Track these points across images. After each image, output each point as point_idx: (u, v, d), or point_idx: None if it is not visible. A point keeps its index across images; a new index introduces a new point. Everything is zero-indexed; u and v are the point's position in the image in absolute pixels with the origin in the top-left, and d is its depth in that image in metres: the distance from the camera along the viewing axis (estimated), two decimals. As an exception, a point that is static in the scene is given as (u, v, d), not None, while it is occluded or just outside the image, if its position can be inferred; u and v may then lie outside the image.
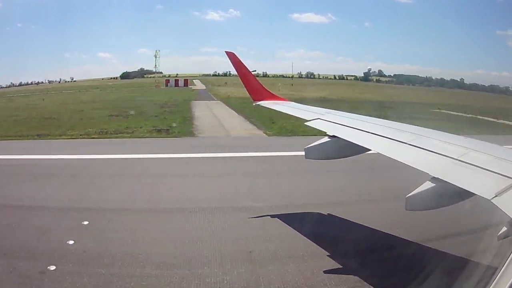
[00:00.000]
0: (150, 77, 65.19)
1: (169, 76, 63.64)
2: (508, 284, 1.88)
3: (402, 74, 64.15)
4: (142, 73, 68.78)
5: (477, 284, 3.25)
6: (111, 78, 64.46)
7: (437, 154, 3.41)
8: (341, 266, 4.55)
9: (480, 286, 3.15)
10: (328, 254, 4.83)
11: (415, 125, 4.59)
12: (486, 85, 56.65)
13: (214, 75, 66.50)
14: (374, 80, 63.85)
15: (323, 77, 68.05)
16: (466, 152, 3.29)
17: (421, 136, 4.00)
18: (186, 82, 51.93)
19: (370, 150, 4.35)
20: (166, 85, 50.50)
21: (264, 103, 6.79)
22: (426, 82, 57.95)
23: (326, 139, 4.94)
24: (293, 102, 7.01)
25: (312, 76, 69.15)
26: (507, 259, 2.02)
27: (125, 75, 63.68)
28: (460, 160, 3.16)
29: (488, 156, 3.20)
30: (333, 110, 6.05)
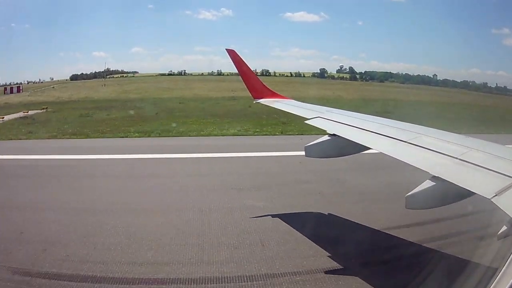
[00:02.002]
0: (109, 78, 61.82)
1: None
2: (509, 284, 1.86)
3: (373, 71, 62.90)
4: (107, 73, 64.75)
5: (477, 284, 3.24)
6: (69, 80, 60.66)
7: (437, 153, 3.39)
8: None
9: (480, 286, 3.14)
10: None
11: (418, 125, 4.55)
12: (459, 81, 55.38)
13: (169, 74, 65.39)
14: (334, 76, 62.18)
15: (279, 74, 66.07)
16: (467, 151, 3.28)
17: (422, 135, 3.98)
18: (18, 89, 51.37)
19: (370, 148, 4.32)
20: (4, 92, 48.21)
21: (265, 101, 6.79)
22: (390, 78, 57.18)
23: (326, 137, 4.92)
24: (294, 100, 6.99)
25: (268, 74, 67.20)
26: (507, 259, 2.00)
27: (74, 77, 59.52)
28: (460, 159, 3.15)
29: (489, 155, 3.18)
30: (333, 109, 6.02)
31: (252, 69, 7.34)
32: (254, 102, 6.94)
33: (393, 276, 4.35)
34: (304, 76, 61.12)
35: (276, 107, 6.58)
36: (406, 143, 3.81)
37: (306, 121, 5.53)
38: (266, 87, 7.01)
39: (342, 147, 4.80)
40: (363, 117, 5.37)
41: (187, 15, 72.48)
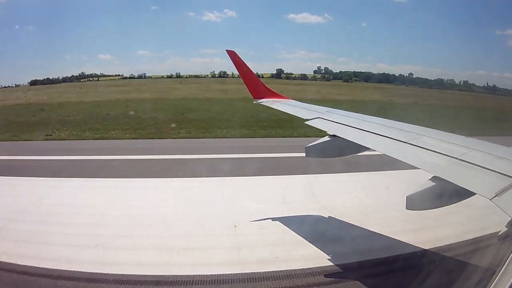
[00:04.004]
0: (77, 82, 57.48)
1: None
2: (508, 284, 1.86)
3: (347, 71, 62.48)
4: (81, 77, 59.96)
5: (477, 284, 3.24)
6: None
7: (437, 153, 3.38)
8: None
9: (480, 286, 3.14)
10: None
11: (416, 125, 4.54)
12: (432, 79, 54.66)
13: (139, 77, 63.62)
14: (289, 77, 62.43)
15: (238, 75, 64.02)
16: (467, 151, 3.27)
17: (422, 135, 3.97)
18: None
19: (370, 149, 4.32)
20: None
21: (265, 101, 6.78)
22: (353, 78, 57.73)
23: (326, 138, 4.92)
24: (293, 100, 6.98)
25: (226, 75, 65.69)
26: (507, 259, 2.00)
27: (33, 82, 54.84)
28: (460, 160, 3.14)
29: (489, 155, 3.17)
30: (333, 109, 6.02)
31: (252, 71, 7.28)
32: (255, 102, 6.93)
33: (395, 276, 4.36)
34: (262, 77, 61.21)
35: (275, 107, 6.57)
36: (406, 144, 3.80)
37: (306, 122, 5.53)
38: (267, 87, 6.99)
39: (342, 148, 4.79)
40: (362, 117, 5.36)
41: (190, 16, 72.00)
